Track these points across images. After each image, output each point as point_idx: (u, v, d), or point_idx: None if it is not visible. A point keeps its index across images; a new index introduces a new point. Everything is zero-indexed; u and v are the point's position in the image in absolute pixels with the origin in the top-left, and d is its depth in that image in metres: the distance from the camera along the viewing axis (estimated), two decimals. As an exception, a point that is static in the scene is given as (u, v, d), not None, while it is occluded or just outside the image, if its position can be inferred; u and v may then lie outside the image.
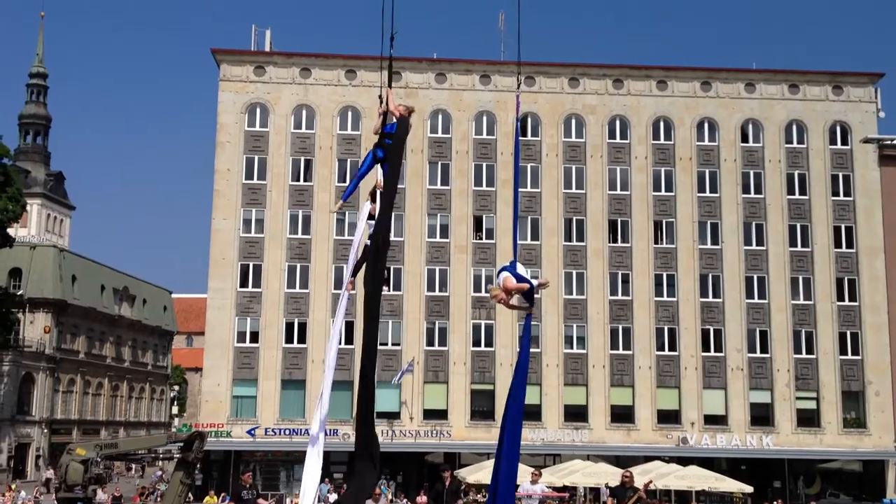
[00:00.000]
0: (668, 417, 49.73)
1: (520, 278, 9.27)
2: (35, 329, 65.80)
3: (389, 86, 9.85)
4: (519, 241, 49.06)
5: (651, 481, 22.70)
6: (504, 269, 9.49)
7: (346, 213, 50.23)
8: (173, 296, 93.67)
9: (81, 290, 70.84)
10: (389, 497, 40.16)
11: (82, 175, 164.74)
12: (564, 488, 36.74)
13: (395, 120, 9.61)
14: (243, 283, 49.49)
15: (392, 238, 49.30)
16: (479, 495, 34.67)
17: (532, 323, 10.15)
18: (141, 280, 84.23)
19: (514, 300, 9.50)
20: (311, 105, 51.42)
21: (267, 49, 53.47)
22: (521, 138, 51.93)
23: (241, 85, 51.36)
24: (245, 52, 52.53)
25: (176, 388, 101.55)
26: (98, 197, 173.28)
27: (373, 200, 9.33)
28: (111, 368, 76.92)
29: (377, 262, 9.11)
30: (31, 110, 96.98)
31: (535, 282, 9.42)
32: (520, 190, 50.80)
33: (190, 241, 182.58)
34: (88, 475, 18.57)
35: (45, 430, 66.28)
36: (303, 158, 51.05)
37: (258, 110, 51.29)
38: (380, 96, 9.90)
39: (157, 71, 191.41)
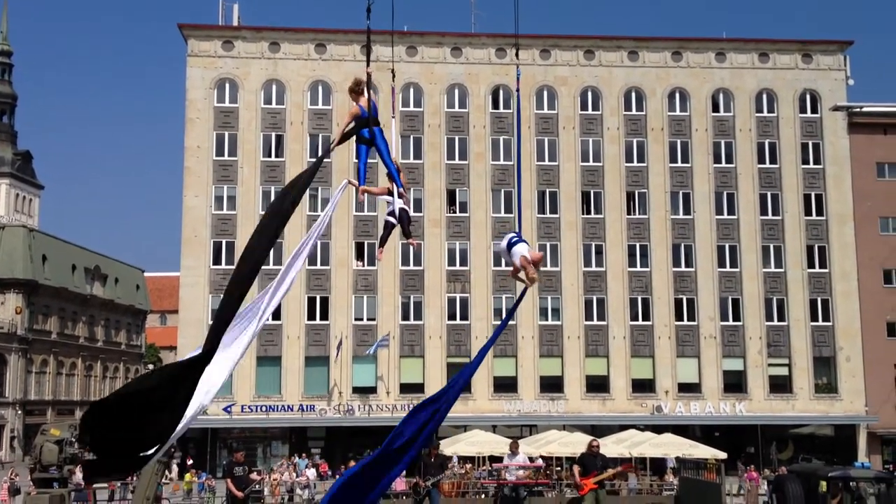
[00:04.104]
0: (643, 386, 50.18)
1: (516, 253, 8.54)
2: (6, 310, 65.17)
3: (367, 63, 8.99)
4: (492, 215, 48.54)
5: (630, 464, 22.54)
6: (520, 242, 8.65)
7: (319, 187, 50.04)
8: (146, 274, 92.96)
9: (52, 269, 70.15)
10: None
11: (50, 154, 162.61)
12: (541, 458, 36.90)
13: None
14: (216, 261, 49.21)
15: (365, 213, 49.31)
16: (463, 466, 34.70)
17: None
18: (113, 259, 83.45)
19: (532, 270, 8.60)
20: (281, 80, 50.99)
21: (235, 23, 52.90)
22: (492, 111, 51.88)
23: (210, 60, 50.81)
24: (213, 27, 51.93)
25: (150, 366, 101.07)
26: (67, 176, 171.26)
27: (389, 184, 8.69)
28: (84, 348, 76.37)
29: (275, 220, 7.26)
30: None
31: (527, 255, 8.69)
32: (492, 163, 50.93)
33: (162, 219, 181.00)
34: (63, 455, 18.47)
35: (19, 412, 65.83)
36: (274, 134, 50.70)
37: (227, 86, 50.80)
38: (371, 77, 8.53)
39: (124, 47, 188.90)
